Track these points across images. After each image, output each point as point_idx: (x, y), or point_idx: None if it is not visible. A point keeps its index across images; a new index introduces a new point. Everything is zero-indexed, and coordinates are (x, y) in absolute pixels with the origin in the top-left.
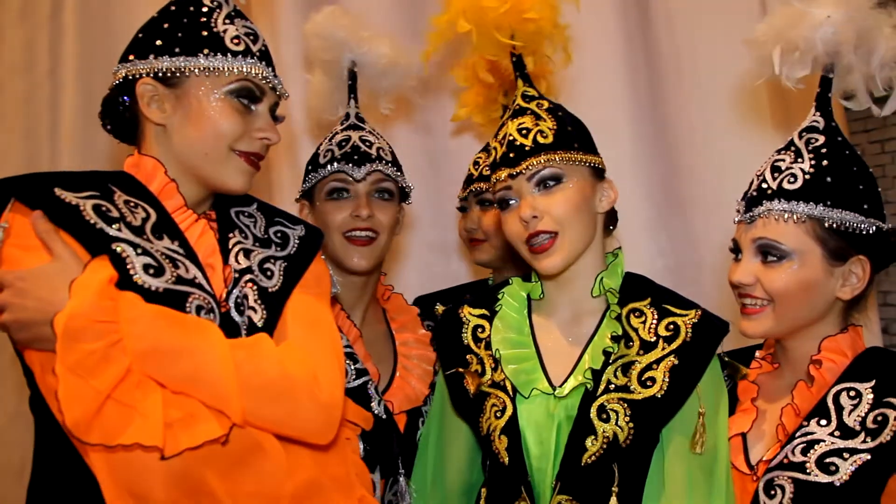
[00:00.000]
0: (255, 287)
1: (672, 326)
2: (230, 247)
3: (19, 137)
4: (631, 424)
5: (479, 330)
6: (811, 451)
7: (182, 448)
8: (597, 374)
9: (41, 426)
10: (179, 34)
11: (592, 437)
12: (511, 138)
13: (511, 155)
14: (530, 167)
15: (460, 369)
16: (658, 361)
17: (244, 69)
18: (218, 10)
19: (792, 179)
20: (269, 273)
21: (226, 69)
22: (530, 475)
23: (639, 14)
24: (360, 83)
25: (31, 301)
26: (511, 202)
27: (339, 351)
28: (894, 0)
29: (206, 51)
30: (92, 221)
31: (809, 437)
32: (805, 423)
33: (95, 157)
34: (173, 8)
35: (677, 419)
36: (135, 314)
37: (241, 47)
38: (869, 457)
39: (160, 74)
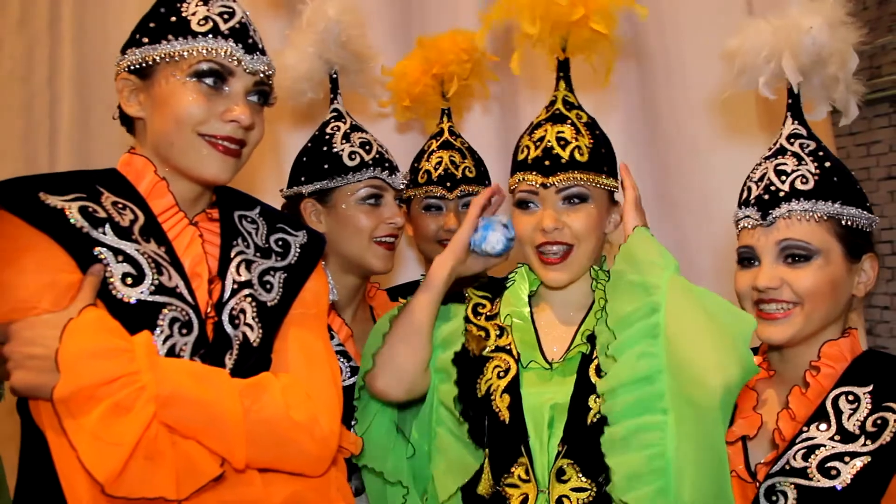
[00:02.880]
0: (253, 302)
1: None
2: (232, 256)
3: (18, 144)
4: None
5: (480, 307)
6: (812, 457)
7: (187, 494)
8: (592, 339)
9: (28, 427)
10: (151, 24)
11: (594, 395)
12: (549, 145)
13: (546, 163)
14: (563, 182)
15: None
16: None
17: (205, 49)
18: None
19: (804, 181)
20: (268, 286)
21: (186, 52)
22: (528, 434)
23: (629, 18)
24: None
25: (40, 349)
26: (531, 205)
27: (337, 382)
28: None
29: (169, 36)
30: (78, 225)
31: (810, 443)
32: (805, 429)
33: (93, 164)
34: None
35: None
36: (154, 361)
37: (208, 27)
38: (869, 459)
39: (132, 67)
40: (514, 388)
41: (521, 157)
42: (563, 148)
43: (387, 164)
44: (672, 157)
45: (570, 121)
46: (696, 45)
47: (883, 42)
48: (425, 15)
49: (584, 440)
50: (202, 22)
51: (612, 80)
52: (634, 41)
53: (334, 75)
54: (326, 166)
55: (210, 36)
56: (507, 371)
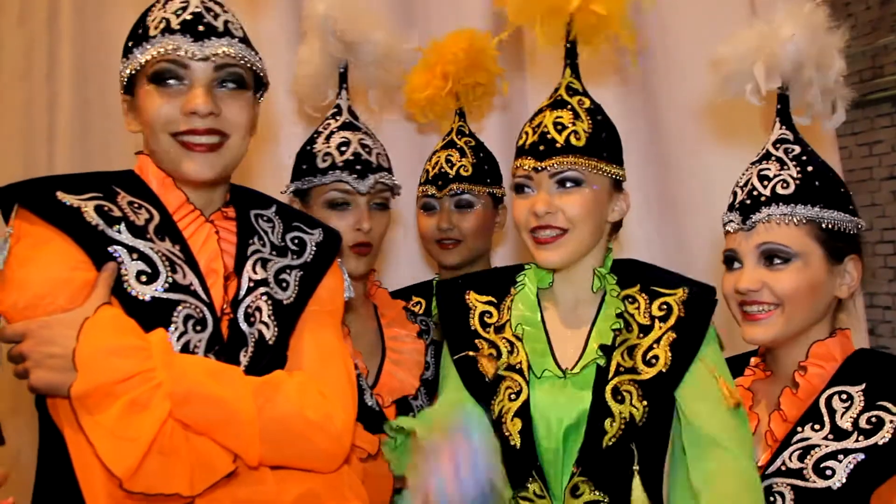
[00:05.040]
0: (269, 301)
1: (665, 306)
2: (248, 254)
3: (17, 141)
4: (644, 403)
5: (487, 315)
6: (808, 457)
7: (201, 490)
8: (607, 351)
9: (45, 423)
10: (129, 43)
11: (610, 419)
12: (545, 130)
13: (541, 147)
14: (555, 166)
15: (470, 353)
16: (658, 340)
17: (155, 51)
18: None
19: (785, 185)
20: (284, 284)
21: (144, 59)
22: (540, 459)
23: (631, 19)
24: (351, 73)
25: (58, 348)
26: (527, 190)
27: (352, 380)
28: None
29: (134, 50)
30: (94, 223)
31: (805, 443)
32: (799, 429)
33: (91, 162)
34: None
35: (691, 388)
36: (169, 358)
37: (160, 28)
38: (864, 456)
39: (123, 88)
40: (524, 412)
41: (520, 142)
42: (560, 132)
43: (358, 168)
44: (672, 156)
45: (570, 106)
46: (698, 45)
47: (885, 42)
48: (430, 15)
49: (599, 463)
50: (157, 25)
51: (611, 80)
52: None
53: (342, 70)
54: (304, 166)
55: (163, 34)
56: (518, 394)
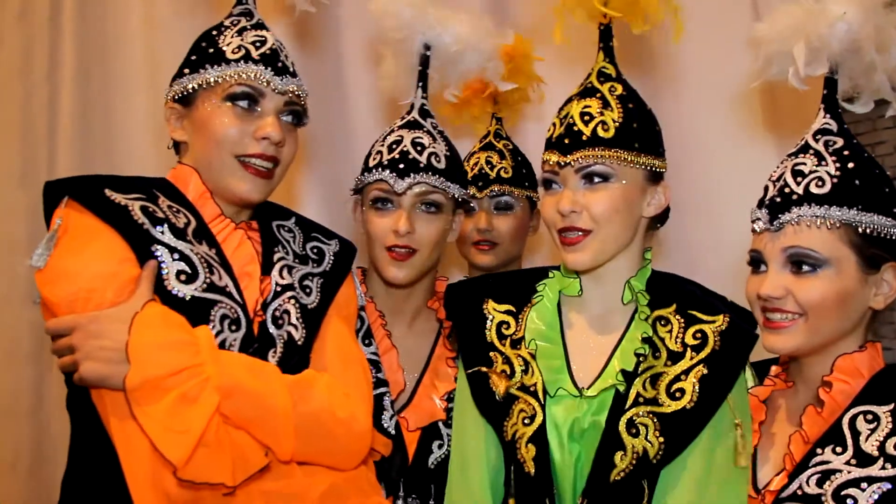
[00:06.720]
0: (296, 304)
1: (699, 335)
2: (274, 261)
3: (16, 139)
4: (661, 439)
5: (504, 326)
6: (827, 483)
7: (240, 481)
8: (628, 378)
9: (77, 424)
10: (193, 57)
11: (622, 452)
12: (571, 121)
13: (566, 141)
14: (580, 160)
15: (483, 368)
16: (687, 371)
17: (237, 74)
18: (231, 27)
19: (820, 183)
20: (308, 290)
21: (220, 77)
22: (556, 486)
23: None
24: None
25: (108, 341)
26: (554, 186)
27: (369, 383)
28: None
29: (206, 66)
30: (140, 221)
31: (825, 467)
32: (819, 451)
33: (91, 160)
34: (201, 35)
35: (704, 431)
36: (216, 354)
37: (240, 54)
38: (890, 486)
39: (178, 97)
40: (540, 438)
41: (548, 135)
42: (587, 124)
43: (400, 167)
44: (675, 156)
45: (599, 94)
46: (701, 45)
47: None
48: None
49: (605, 496)
50: (236, 50)
51: None
52: (637, 40)
53: (420, 68)
54: (363, 164)
55: (242, 62)
56: (532, 418)
